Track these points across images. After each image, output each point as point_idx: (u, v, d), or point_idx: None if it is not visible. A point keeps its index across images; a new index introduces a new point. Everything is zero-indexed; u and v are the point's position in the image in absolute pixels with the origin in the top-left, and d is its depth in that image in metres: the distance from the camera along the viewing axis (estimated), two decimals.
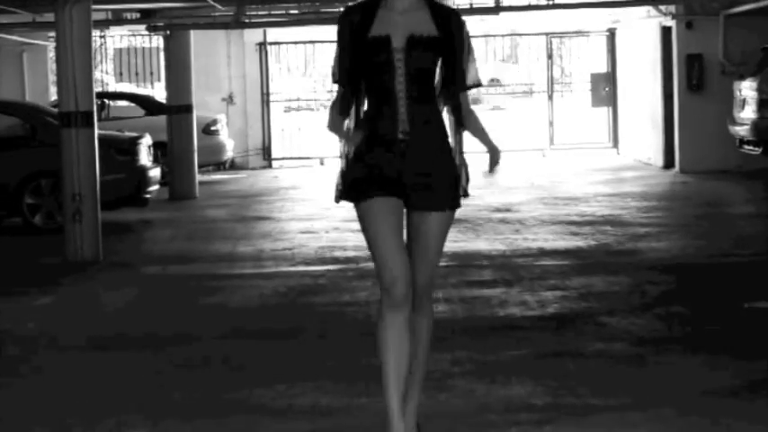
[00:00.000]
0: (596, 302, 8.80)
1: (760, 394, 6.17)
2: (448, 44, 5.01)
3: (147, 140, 15.07)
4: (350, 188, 5.03)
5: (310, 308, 8.99)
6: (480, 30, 28.86)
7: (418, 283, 5.07)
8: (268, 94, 24.06)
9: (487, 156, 5.20)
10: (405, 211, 5.04)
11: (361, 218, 5.02)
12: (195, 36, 19.40)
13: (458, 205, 5.07)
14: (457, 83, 5.07)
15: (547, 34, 25.26)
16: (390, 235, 4.94)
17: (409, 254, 5.02)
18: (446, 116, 5.13)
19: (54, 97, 20.18)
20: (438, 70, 5.05)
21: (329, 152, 23.34)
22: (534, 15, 20.21)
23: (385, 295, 4.95)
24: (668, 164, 19.94)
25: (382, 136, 4.98)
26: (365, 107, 5.08)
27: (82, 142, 11.64)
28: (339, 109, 5.10)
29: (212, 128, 20.26)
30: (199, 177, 18.93)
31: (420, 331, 5.15)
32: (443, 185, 5.01)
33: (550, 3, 17.89)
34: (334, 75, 5.09)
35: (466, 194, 5.12)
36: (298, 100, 26.06)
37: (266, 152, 24.00)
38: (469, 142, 5.22)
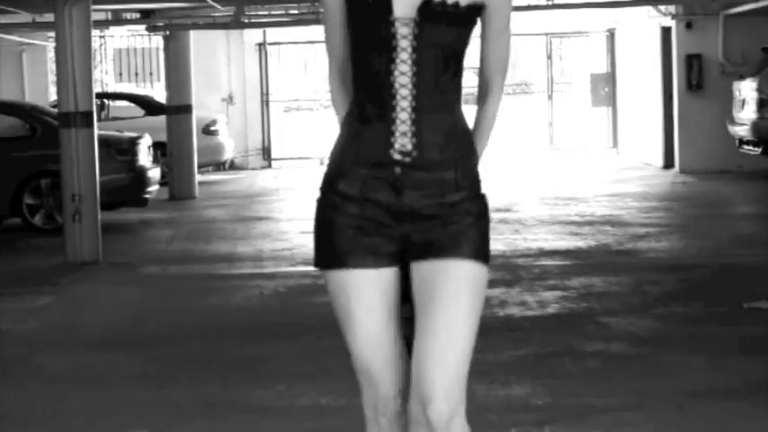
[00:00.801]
0: (596, 302, 8.79)
1: (760, 394, 6.17)
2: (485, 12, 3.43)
3: (146, 141, 15.07)
4: (317, 241, 3.35)
5: (310, 308, 8.98)
6: (479, 30, 28.85)
7: (432, 384, 3.13)
8: (268, 94, 24.06)
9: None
10: (405, 270, 3.30)
11: (330, 291, 3.39)
12: (195, 36, 19.40)
13: (486, 257, 3.27)
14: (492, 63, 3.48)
15: (547, 34, 25.25)
16: (372, 328, 3.29)
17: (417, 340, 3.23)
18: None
19: (54, 97, 20.17)
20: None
21: (329, 153, 23.34)
22: (534, 15, 20.14)
23: (366, 407, 3.34)
24: (668, 164, 19.93)
25: (368, 156, 3.25)
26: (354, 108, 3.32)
27: (81, 142, 11.63)
28: (338, 75, 3.39)
29: (212, 128, 20.27)
30: (198, 177, 18.92)
31: None
32: (468, 225, 3.24)
33: (550, 3, 17.88)
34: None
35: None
36: (297, 100, 26.04)
37: (266, 152, 23.98)
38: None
